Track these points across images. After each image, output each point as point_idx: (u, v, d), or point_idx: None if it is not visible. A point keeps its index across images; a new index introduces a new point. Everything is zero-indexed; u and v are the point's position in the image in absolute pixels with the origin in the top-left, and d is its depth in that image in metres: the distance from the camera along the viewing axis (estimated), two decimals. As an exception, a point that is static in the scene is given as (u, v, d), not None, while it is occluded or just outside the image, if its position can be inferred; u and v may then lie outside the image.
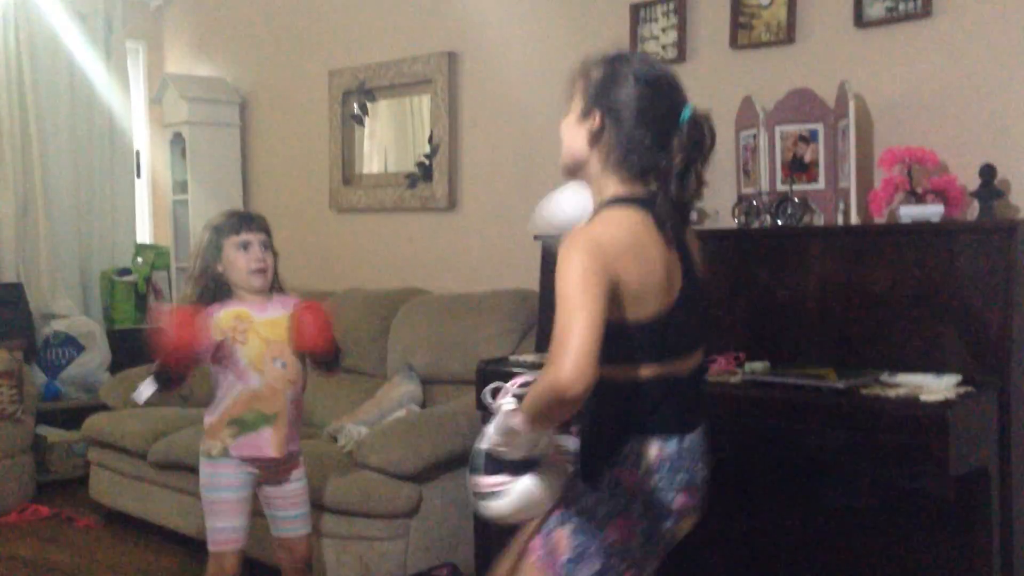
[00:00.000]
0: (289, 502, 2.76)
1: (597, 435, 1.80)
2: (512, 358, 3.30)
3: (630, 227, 1.71)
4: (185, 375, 2.62)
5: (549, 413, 1.62)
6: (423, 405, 3.73)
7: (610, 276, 1.63)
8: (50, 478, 4.73)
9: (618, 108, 1.78)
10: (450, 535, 3.27)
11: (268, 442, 2.63)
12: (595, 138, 1.81)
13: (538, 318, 3.52)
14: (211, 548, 2.69)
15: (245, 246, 2.66)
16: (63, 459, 4.82)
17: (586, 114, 1.82)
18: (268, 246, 2.71)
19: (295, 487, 2.76)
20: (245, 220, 2.72)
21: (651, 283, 1.71)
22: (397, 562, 3.17)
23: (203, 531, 3.65)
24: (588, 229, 1.71)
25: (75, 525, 4.26)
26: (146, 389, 2.62)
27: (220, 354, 2.62)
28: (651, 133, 1.77)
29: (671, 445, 1.75)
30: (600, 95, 1.80)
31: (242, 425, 2.63)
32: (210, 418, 2.70)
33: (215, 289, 2.66)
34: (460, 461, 3.23)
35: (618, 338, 1.68)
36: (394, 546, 3.17)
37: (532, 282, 3.61)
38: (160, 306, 2.64)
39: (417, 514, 3.20)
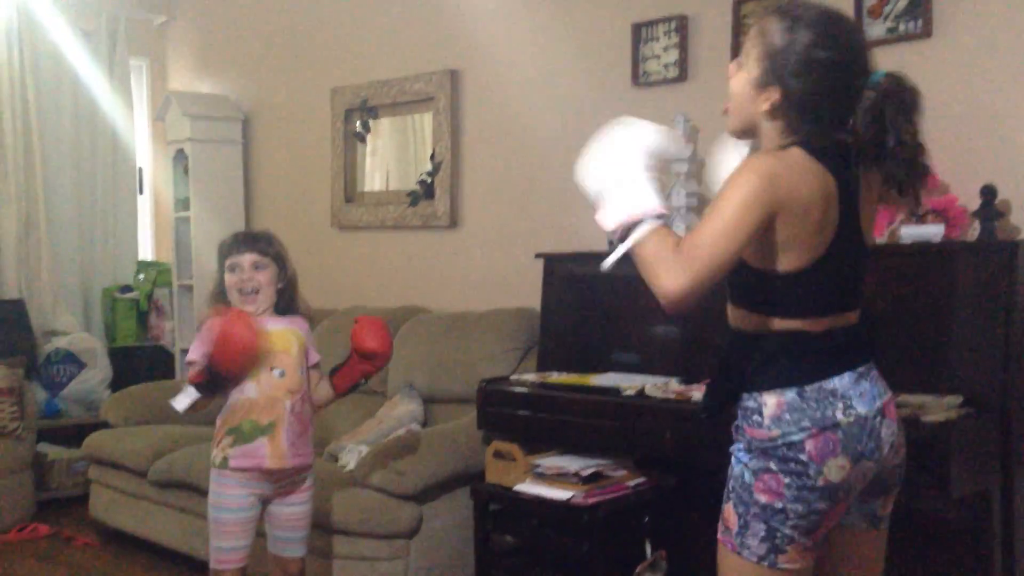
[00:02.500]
0: (292, 523, 2.71)
1: (726, 387, 1.81)
2: (514, 377, 3.30)
3: (810, 177, 1.64)
4: (235, 382, 2.55)
5: (647, 268, 1.64)
6: (424, 424, 3.72)
7: (772, 213, 1.61)
8: (50, 496, 4.72)
9: (798, 83, 1.67)
10: (451, 556, 3.25)
11: (264, 453, 2.57)
12: (772, 114, 1.71)
13: (540, 337, 3.52)
14: (212, 566, 2.68)
15: (233, 268, 2.65)
16: (63, 477, 4.81)
17: (764, 85, 1.70)
18: (262, 266, 2.65)
19: (301, 510, 2.72)
20: (238, 242, 2.68)
21: (815, 237, 1.66)
22: (397, 582, 3.16)
23: (203, 551, 3.64)
24: (771, 160, 1.65)
25: (74, 544, 4.25)
26: (186, 397, 2.54)
27: None
28: (836, 104, 1.69)
29: (789, 394, 1.70)
30: (777, 66, 1.68)
31: (238, 435, 2.59)
32: (216, 427, 2.69)
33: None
34: (461, 480, 3.22)
35: (767, 286, 1.70)
36: (394, 566, 3.16)
37: (534, 301, 3.61)
38: (217, 309, 2.60)
39: (418, 534, 3.19)
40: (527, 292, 3.74)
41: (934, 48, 2.93)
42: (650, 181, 1.69)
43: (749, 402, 1.74)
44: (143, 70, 5.90)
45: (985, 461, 2.36)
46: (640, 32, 3.62)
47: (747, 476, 1.73)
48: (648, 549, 2.88)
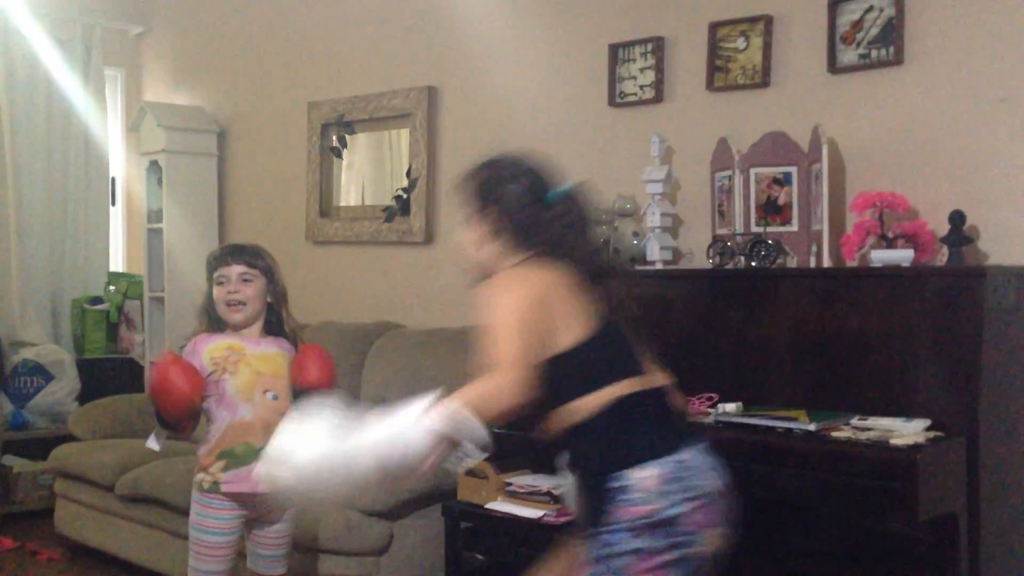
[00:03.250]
0: (273, 542, 2.72)
1: (589, 478, 1.84)
2: (486, 394, 3.29)
3: (542, 271, 1.89)
4: (190, 423, 2.59)
5: (488, 413, 1.70)
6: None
7: (543, 320, 1.80)
8: (15, 509, 4.66)
9: (507, 198, 1.98)
10: (421, 574, 3.23)
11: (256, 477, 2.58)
12: (495, 232, 1.97)
13: (513, 354, 3.52)
14: None
15: (221, 280, 2.63)
16: (29, 490, 4.75)
17: (481, 214, 2.00)
18: (250, 278, 2.63)
19: (283, 528, 2.72)
20: (226, 254, 2.67)
21: (573, 313, 1.86)
22: (367, 600, 3.14)
23: (170, 566, 3.61)
24: (511, 273, 1.90)
25: (39, 558, 4.19)
26: (157, 439, 2.62)
27: (210, 386, 2.59)
28: (537, 212, 1.96)
29: (667, 466, 1.77)
30: (487, 194, 2.01)
31: (231, 458, 2.57)
32: (202, 450, 2.64)
33: (216, 323, 2.66)
34: (433, 498, 3.21)
35: (562, 375, 1.82)
36: (364, 584, 3.14)
37: (507, 318, 3.61)
38: (155, 361, 2.62)
39: (388, 552, 3.17)
40: (501, 309, 3.74)
41: (906, 75, 2.98)
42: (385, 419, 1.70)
43: (614, 483, 1.77)
44: (118, 80, 5.86)
45: (952, 484, 2.38)
46: (617, 53, 3.65)
47: (623, 559, 1.74)
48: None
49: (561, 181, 2.03)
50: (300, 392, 2.58)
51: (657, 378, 1.92)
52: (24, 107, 5.33)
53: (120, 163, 5.85)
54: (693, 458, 1.81)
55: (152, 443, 2.62)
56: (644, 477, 1.76)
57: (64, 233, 5.50)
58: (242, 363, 2.59)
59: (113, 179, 5.78)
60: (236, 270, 2.62)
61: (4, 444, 4.65)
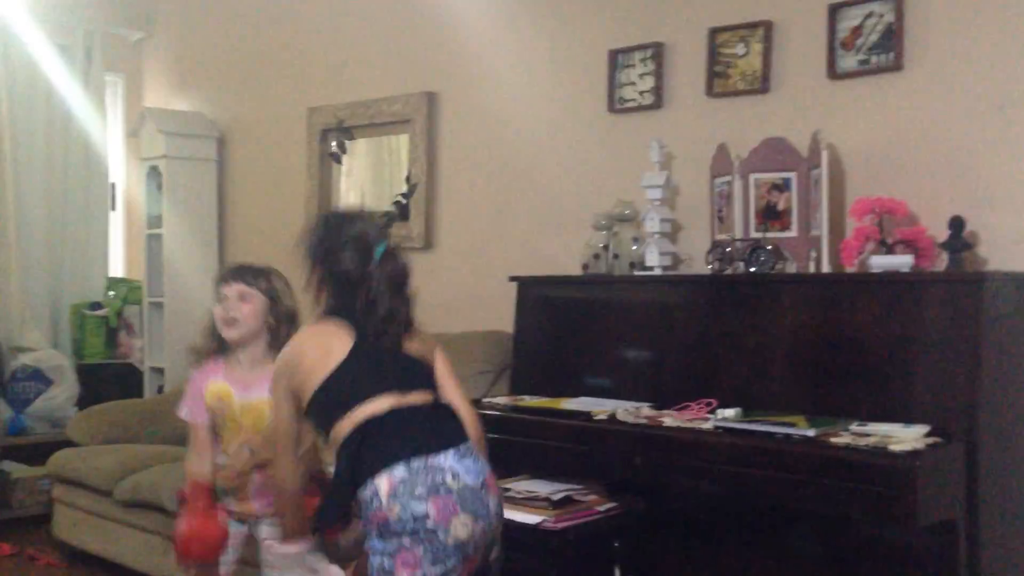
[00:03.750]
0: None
1: (341, 493, 2.10)
2: (485, 400, 3.29)
3: (314, 330, 2.24)
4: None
5: (292, 512, 2.23)
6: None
7: (293, 379, 2.18)
8: (13, 515, 4.64)
9: (324, 255, 2.24)
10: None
11: (232, 508, 2.68)
12: (320, 287, 2.26)
13: (512, 360, 3.52)
14: None
15: (221, 298, 2.65)
16: (27, 495, 4.73)
17: (310, 270, 2.27)
18: (248, 297, 2.62)
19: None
20: (228, 273, 2.69)
21: (318, 359, 2.16)
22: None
23: (168, 572, 3.60)
24: (283, 351, 2.28)
25: (37, 564, 4.18)
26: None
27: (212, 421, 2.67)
28: (353, 266, 2.21)
29: (398, 471, 2.00)
30: (314, 251, 2.27)
31: (214, 492, 2.67)
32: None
33: (216, 345, 2.68)
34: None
35: (320, 406, 2.15)
36: (362, 590, 3.13)
37: (507, 324, 3.61)
38: (182, 494, 2.69)
39: (386, 557, 3.16)
40: (500, 315, 3.74)
41: (905, 81, 2.98)
42: None
43: (364, 493, 2.01)
44: (118, 86, 5.87)
45: (951, 490, 2.38)
46: (616, 59, 3.65)
47: (387, 563, 1.98)
48: (617, 574, 2.87)
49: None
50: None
51: (413, 397, 2.15)
52: (24, 112, 5.33)
53: (120, 169, 5.85)
54: (434, 461, 2.03)
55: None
56: (381, 483, 1.99)
57: (64, 238, 5.49)
58: (228, 417, 2.63)
59: (113, 184, 5.78)
60: (234, 289, 2.63)
61: (3, 449, 4.65)
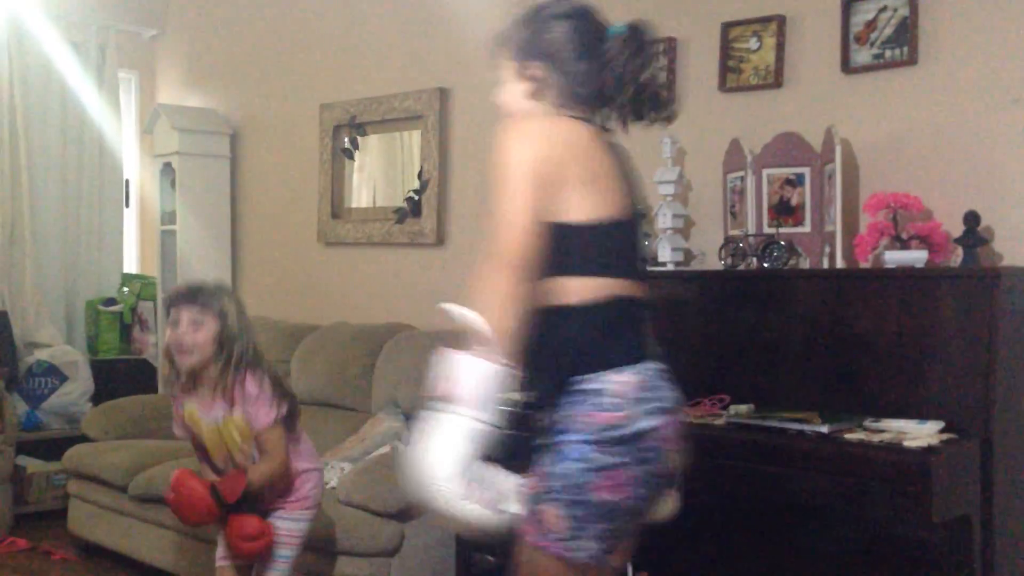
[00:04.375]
0: (275, 538, 2.70)
1: (554, 373, 1.67)
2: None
3: (572, 128, 1.73)
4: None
5: (503, 303, 1.61)
6: (408, 443, 3.71)
7: (553, 169, 1.65)
8: (29, 509, 4.67)
9: (552, 51, 1.80)
10: (431, 575, 3.23)
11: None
12: (539, 89, 1.81)
13: (524, 356, 3.51)
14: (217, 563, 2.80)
15: (174, 323, 2.60)
16: (42, 491, 4.76)
17: (523, 70, 1.82)
18: (199, 323, 2.57)
19: (285, 525, 2.71)
20: (179, 297, 2.64)
21: (596, 185, 1.70)
22: (378, 601, 3.14)
23: (183, 567, 3.62)
24: (529, 120, 1.75)
25: (53, 558, 4.21)
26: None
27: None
28: (589, 61, 1.79)
29: (636, 372, 1.65)
30: (530, 48, 1.82)
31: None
32: None
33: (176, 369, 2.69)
34: (443, 499, 3.21)
35: (565, 244, 1.66)
36: (375, 585, 3.14)
37: (519, 319, 3.61)
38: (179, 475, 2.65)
39: (399, 553, 3.17)
40: (513, 311, 3.73)
41: (919, 75, 2.96)
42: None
43: (588, 384, 1.63)
44: (132, 83, 5.89)
45: (966, 486, 2.37)
46: (629, 54, 3.63)
47: (586, 475, 1.60)
48: (630, 570, 2.87)
49: (612, 21, 1.89)
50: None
51: (642, 288, 1.77)
52: (39, 110, 5.36)
53: (134, 165, 5.87)
54: (660, 372, 1.71)
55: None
56: (620, 381, 1.63)
57: (78, 235, 5.52)
58: (201, 436, 2.69)
59: (127, 181, 5.80)
60: (187, 315, 2.58)
61: (18, 445, 4.67)
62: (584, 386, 1.63)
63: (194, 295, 2.61)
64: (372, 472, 3.23)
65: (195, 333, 2.56)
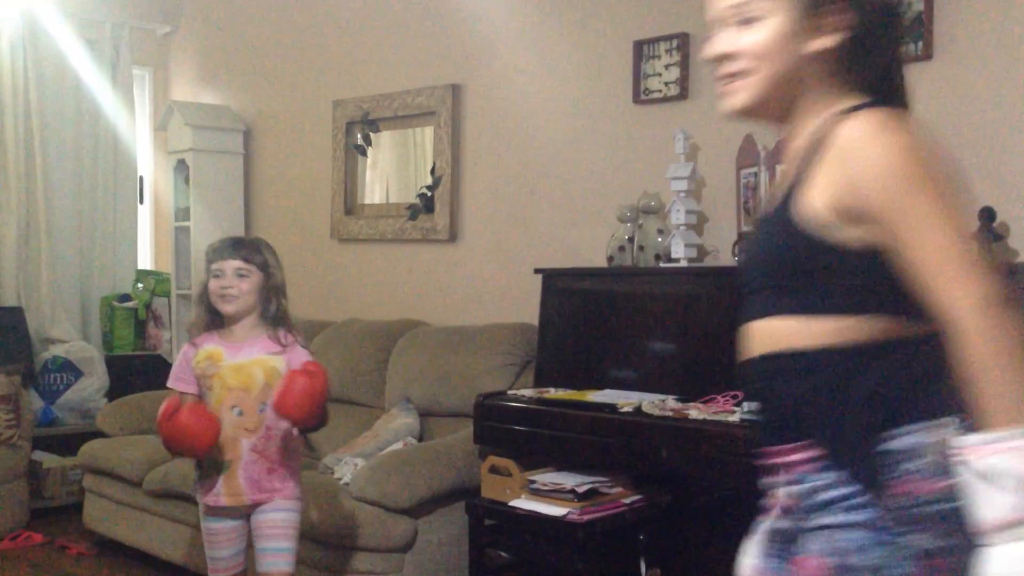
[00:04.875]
0: (273, 532, 2.64)
1: (853, 431, 1.24)
2: (511, 392, 3.29)
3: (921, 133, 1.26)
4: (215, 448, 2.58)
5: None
6: (420, 438, 3.72)
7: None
8: (44, 504, 4.70)
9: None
10: (445, 570, 3.24)
11: (221, 491, 2.62)
12: (829, 57, 1.30)
13: (537, 352, 3.51)
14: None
15: (217, 274, 2.65)
16: (58, 485, 4.79)
17: (817, 14, 1.28)
18: (245, 273, 2.64)
19: (280, 517, 2.65)
20: (223, 247, 2.69)
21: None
22: (391, 597, 3.15)
23: (197, 562, 3.64)
24: (899, 128, 1.25)
25: (68, 553, 4.23)
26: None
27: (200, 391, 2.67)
28: (894, 24, 1.34)
29: (949, 429, 1.21)
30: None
31: (200, 469, 2.66)
32: None
33: (209, 317, 2.69)
34: (456, 495, 3.22)
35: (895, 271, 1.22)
36: (388, 580, 3.15)
37: (532, 316, 3.61)
38: (171, 402, 2.57)
39: (412, 548, 3.17)
40: (525, 307, 3.74)
41: (934, 70, 2.94)
42: None
43: (893, 443, 1.21)
44: (146, 80, 5.91)
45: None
46: (642, 49, 3.63)
47: (901, 566, 1.18)
48: (643, 567, 2.87)
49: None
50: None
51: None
52: (53, 107, 5.39)
53: (148, 162, 5.90)
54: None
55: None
56: (926, 440, 1.20)
57: (93, 231, 5.55)
58: (216, 378, 2.62)
59: (141, 178, 5.83)
60: (232, 265, 2.64)
61: (34, 440, 4.70)
62: (893, 445, 1.22)
63: (239, 247, 2.68)
64: (385, 468, 3.23)
65: (240, 282, 2.63)
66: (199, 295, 2.72)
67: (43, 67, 5.33)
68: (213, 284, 2.65)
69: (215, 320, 2.68)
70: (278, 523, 2.65)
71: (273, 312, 2.67)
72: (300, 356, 2.66)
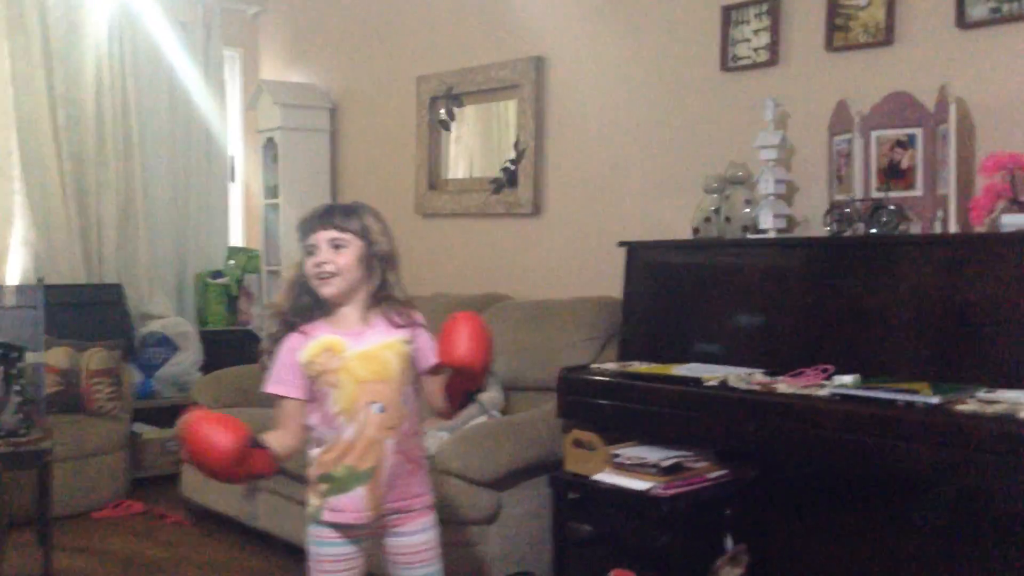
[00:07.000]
0: (417, 557, 2.25)
1: None
2: (594, 366, 3.26)
3: None
4: (266, 464, 2.14)
5: None
6: (504, 412, 3.72)
7: None
8: (144, 474, 4.87)
9: None
10: (529, 543, 3.24)
11: (361, 504, 2.16)
12: None
13: (621, 326, 3.47)
14: None
15: (311, 249, 2.19)
16: (156, 456, 4.95)
17: None
18: (343, 244, 2.17)
19: (422, 539, 2.25)
20: (313, 218, 2.22)
21: None
22: (475, 569, 3.16)
23: (289, 531, 3.71)
24: None
25: (166, 521, 4.38)
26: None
27: (313, 394, 2.18)
28: None
29: None
30: None
31: (332, 482, 2.17)
32: (309, 468, 2.23)
33: (312, 302, 2.21)
34: (540, 469, 3.21)
35: None
36: (473, 552, 3.16)
37: (616, 290, 3.57)
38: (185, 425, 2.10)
39: (496, 521, 3.18)
40: (609, 281, 3.70)
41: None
42: None
43: None
44: (236, 60, 6.03)
45: (1090, 462, 2.22)
46: (730, 15, 3.53)
47: None
48: (728, 542, 2.82)
49: None
50: (448, 369, 2.19)
51: None
52: (149, 91, 5.54)
53: (238, 141, 6.02)
54: None
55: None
56: None
57: (187, 210, 5.71)
58: (342, 371, 2.15)
59: (231, 157, 5.96)
60: (325, 236, 2.18)
61: (134, 412, 4.86)
62: None
63: (330, 215, 2.20)
64: (469, 441, 3.24)
65: (337, 256, 2.17)
66: (295, 279, 2.23)
67: (138, 51, 5.47)
68: (308, 263, 2.18)
69: (318, 304, 2.20)
70: (427, 544, 2.26)
71: (383, 286, 2.22)
72: (426, 340, 2.25)
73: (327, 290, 2.18)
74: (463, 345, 2.12)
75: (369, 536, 2.22)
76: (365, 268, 2.20)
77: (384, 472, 2.16)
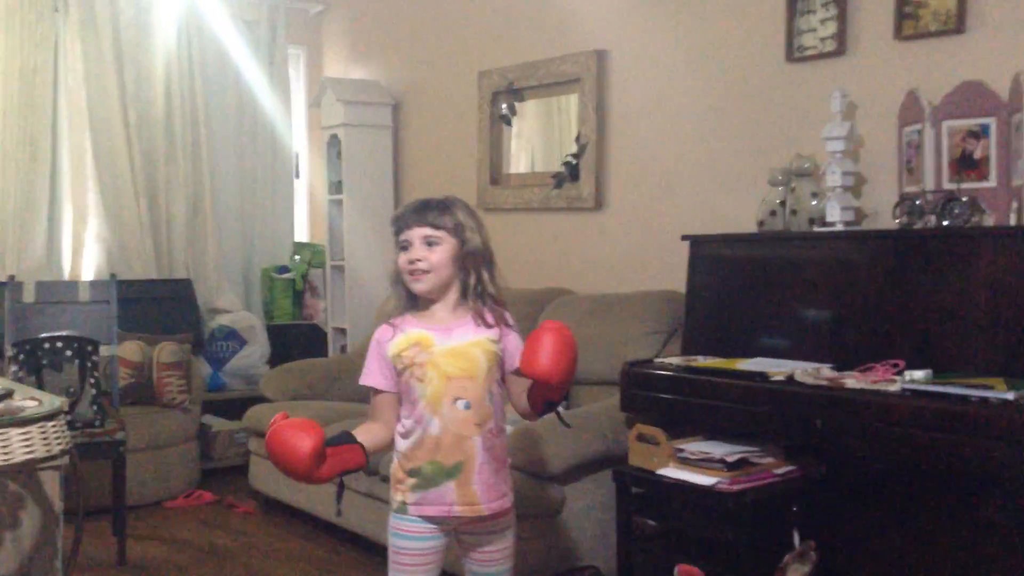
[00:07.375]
0: (495, 556, 2.26)
1: None
2: (658, 360, 3.25)
3: None
4: (362, 463, 2.20)
5: None
6: (568, 405, 3.72)
7: None
8: (214, 465, 4.98)
9: None
10: (593, 537, 3.25)
11: (452, 500, 2.16)
12: None
13: (685, 320, 3.45)
14: None
15: (404, 246, 2.22)
16: (226, 447, 5.06)
17: None
18: (436, 241, 2.18)
19: (502, 540, 2.26)
20: (407, 214, 2.24)
21: None
22: (540, 563, 3.17)
23: (356, 523, 3.76)
24: None
25: (235, 511, 4.47)
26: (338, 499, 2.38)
27: (400, 386, 2.21)
28: None
29: None
30: None
31: (420, 478, 2.18)
32: (392, 463, 2.26)
33: (409, 296, 2.25)
34: (604, 463, 3.21)
35: None
36: (538, 546, 3.17)
37: (679, 284, 3.55)
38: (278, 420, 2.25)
39: (560, 515, 3.19)
40: (672, 274, 3.68)
41: None
42: None
43: None
44: (300, 58, 6.12)
45: None
46: (795, 5, 3.48)
47: None
48: (796, 539, 2.79)
49: None
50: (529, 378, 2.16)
51: None
52: (217, 89, 5.65)
53: (302, 138, 6.11)
54: None
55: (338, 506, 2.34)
56: None
57: (253, 207, 5.82)
58: (429, 366, 2.16)
59: (296, 154, 6.05)
60: (418, 233, 2.19)
61: (203, 404, 4.97)
62: None
63: (424, 212, 2.21)
64: (533, 435, 3.25)
65: (430, 253, 2.19)
66: (393, 276, 2.27)
67: (206, 50, 5.58)
68: (401, 259, 2.21)
69: (410, 299, 2.24)
70: (504, 547, 2.27)
71: (475, 285, 2.22)
72: (514, 343, 2.24)
73: (419, 286, 2.21)
74: (545, 359, 2.10)
75: (452, 531, 2.23)
76: (457, 265, 2.21)
77: (472, 469, 2.16)
